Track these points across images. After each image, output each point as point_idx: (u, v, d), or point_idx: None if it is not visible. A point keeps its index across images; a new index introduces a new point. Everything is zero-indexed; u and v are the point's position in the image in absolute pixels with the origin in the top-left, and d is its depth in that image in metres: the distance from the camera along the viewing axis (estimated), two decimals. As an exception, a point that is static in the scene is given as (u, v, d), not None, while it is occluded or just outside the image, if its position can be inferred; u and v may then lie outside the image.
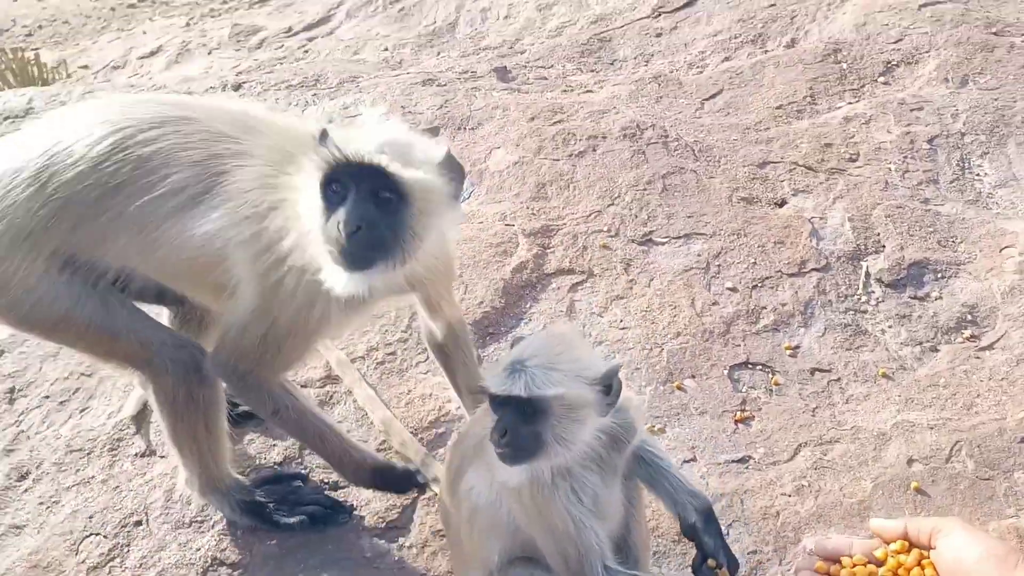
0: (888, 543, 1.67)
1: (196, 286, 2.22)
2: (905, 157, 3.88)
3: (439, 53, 5.99)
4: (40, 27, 10.37)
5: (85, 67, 8.24)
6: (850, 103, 4.36)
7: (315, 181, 1.81)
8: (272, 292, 1.98)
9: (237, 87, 5.06)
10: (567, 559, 1.84)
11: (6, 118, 4.68)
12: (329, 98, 4.49)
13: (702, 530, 1.94)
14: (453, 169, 1.90)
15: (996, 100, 4.20)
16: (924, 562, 1.62)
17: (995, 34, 4.80)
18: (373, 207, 1.79)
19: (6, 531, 2.57)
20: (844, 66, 4.66)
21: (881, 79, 4.56)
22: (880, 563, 1.66)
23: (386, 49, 6.24)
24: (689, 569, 2.24)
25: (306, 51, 6.47)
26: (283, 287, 1.96)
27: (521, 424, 1.75)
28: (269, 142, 2.01)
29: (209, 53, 7.30)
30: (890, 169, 3.81)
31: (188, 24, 9.16)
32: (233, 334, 2.08)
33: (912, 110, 4.19)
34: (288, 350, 2.08)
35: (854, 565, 1.67)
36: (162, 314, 2.51)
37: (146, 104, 2.10)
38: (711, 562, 1.92)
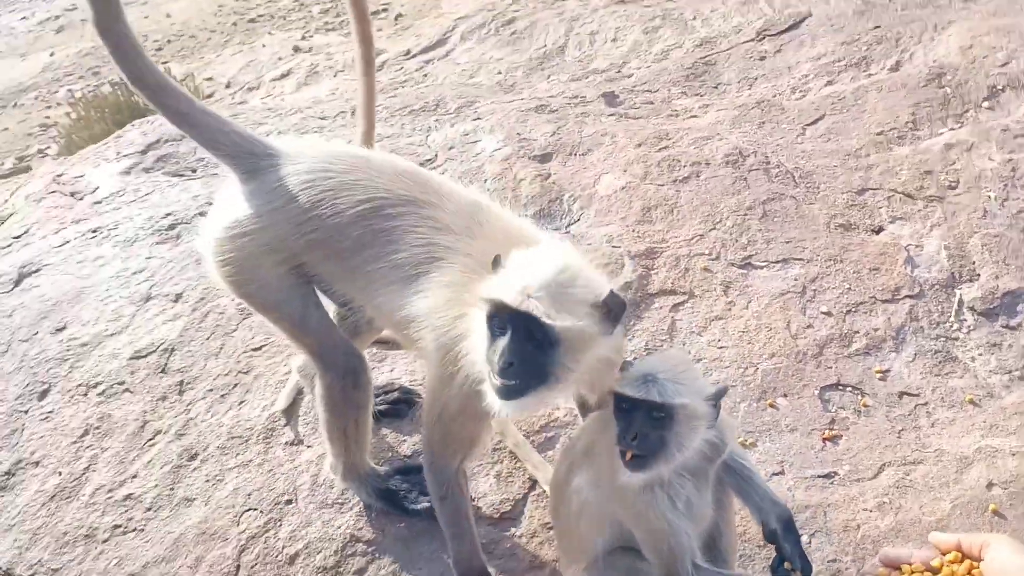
0: (944, 554, 1.89)
1: (395, 332, 2.61)
2: (1006, 185, 3.97)
3: (549, 76, 6.31)
4: (169, 41, 11.26)
5: (210, 79, 8.96)
6: (952, 129, 4.45)
7: (482, 313, 2.05)
8: (446, 381, 2.29)
9: (365, 110, 5.51)
10: (660, 555, 2.12)
11: (165, 141, 5.27)
12: (450, 124, 4.87)
13: (782, 536, 2.18)
14: (614, 305, 2.03)
15: (1105, 129, 4.23)
16: (974, 571, 1.84)
17: (1110, 60, 4.78)
18: (528, 345, 1.97)
19: (179, 502, 3.03)
20: (948, 91, 4.74)
21: (985, 104, 4.62)
22: (936, 571, 1.89)
23: (499, 72, 6.60)
24: (769, 570, 2.49)
25: (425, 74, 6.90)
26: (455, 380, 2.25)
27: (649, 429, 2.04)
28: (479, 247, 2.23)
29: (335, 75, 7.85)
30: (990, 197, 3.91)
31: (304, 37, 9.81)
32: (424, 416, 2.47)
33: (1016, 136, 4.26)
34: (460, 433, 2.38)
35: (912, 572, 1.90)
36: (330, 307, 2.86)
37: (402, 179, 2.43)
38: (787, 565, 2.15)
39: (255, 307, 2.67)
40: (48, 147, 9.20)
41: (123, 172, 5.01)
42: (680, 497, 2.13)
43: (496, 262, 2.08)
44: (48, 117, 10.19)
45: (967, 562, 1.87)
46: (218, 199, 2.63)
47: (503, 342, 1.99)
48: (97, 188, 4.88)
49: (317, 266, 2.50)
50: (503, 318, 2.00)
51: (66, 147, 7.48)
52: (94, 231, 4.42)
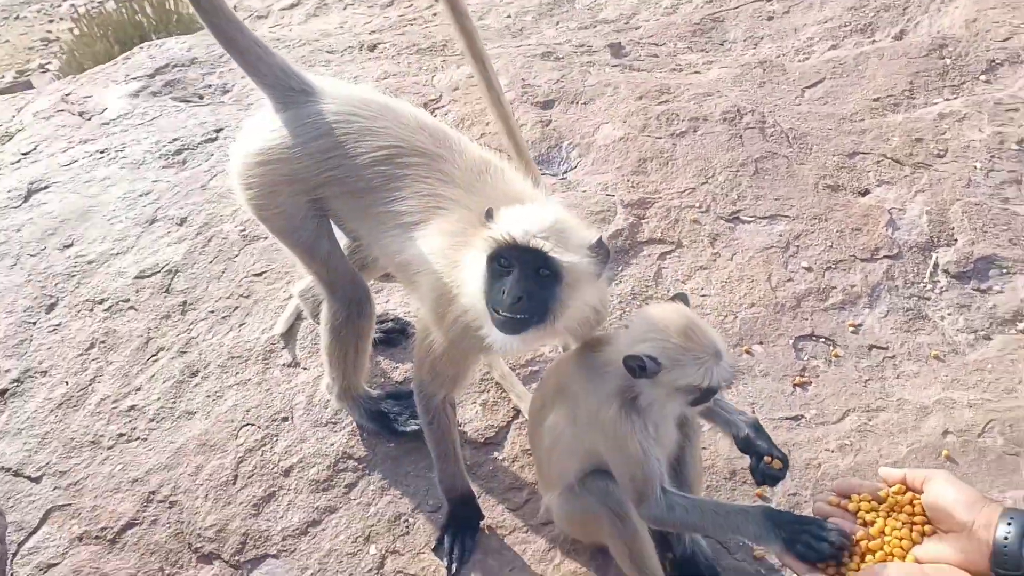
0: (890, 486, 2.07)
1: (395, 272, 2.75)
2: (992, 157, 4.08)
3: (558, 23, 6.35)
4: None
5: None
6: (947, 100, 4.55)
7: (483, 254, 2.17)
8: (438, 322, 2.44)
9: (373, 47, 5.58)
10: (634, 480, 2.28)
11: (174, 66, 5.34)
12: (456, 66, 4.94)
13: (754, 437, 2.35)
14: (602, 251, 2.20)
15: (1095, 106, 4.32)
16: (915, 502, 2.02)
17: (1107, 38, 4.85)
18: (532, 281, 2.13)
19: (181, 415, 3.19)
20: (948, 62, 4.82)
21: (983, 77, 4.71)
22: (882, 500, 2.06)
23: (509, 16, 6.63)
24: (737, 496, 2.67)
25: (434, 13, 6.91)
26: (445, 321, 2.40)
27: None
28: (479, 202, 2.35)
29: (344, 8, 7.85)
30: (975, 167, 4.03)
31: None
32: (416, 350, 2.62)
33: (1007, 110, 4.36)
34: (448, 369, 2.53)
35: (860, 500, 2.08)
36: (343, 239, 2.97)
37: (422, 132, 2.56)
38: (767, 459, 2.31)
39: (272, 230, 2.81)
40: (49, 63, 9.20)
41: (131, 95, 5.08)
42: (652, 424, 2.29)
43: (489, 215, 2.22)
44: (50, 32, 10.15)
45: (910, 493, 2.04)
46: (250, 123, 2.76)
47: (511, 279, 2.13)
48: (105, 109, 4.97)
49: (332, 201, 2.64)
50: (509, 257, 2.14)
51: (67, 64, 7.49)
52: (102, 152, 4.52)
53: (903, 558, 1.93)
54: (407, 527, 2.81)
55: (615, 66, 5.09)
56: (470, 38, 3.21)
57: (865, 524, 2.05)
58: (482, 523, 2.76)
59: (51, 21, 10.41)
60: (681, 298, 2.35)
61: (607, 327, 2.65)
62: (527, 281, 2.12)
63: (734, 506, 2.26)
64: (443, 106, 4.58)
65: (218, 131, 4.55)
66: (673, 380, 2.16)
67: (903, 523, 2.00)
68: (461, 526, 2.73)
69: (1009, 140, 4.16)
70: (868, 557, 1.97)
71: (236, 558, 2.77)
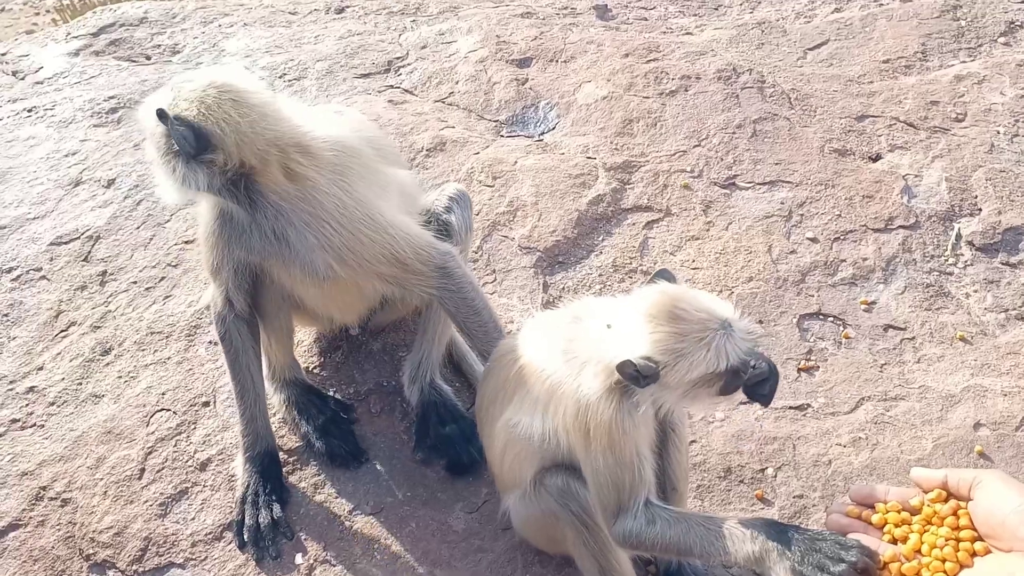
0: (926, 492, 1.62)
1: None
2: (1016, 120, 3.66)
3: (540, -13, 5.90)
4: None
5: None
6: (964, 62, 4.12)
7: None
8: None
9: (340, 11, 5.13)
10: (619, 487, 1.82)
11: (121, 25, 4.87)
12: (427, 24, 4.50)
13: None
14: None
15: None
16: (960, 512, 1.56)
17: None
18: None
19: (87, 398, 2.75)
20: (963, 23, 4.40)
21: (1001, 39, 4.29)
22: (915, 511, 1.61)
23: (488, -20, 6.18)
24: (730, 507, 2.24)
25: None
26: None
27: None
28: None
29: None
30: (998, 132, 3.61)
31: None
32: None
33: (1032, 73, 3.94)
34: None
35: (887, 511, 1.62)
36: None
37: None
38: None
39: None
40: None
41: (71, 53, 4.63)
42: (644, 422, 1.85)
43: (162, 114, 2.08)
44: (36, 24, 9.69)
45: (952, 502, 1.58)
46: None
47: None
48: (41, 68, 4.51)
49: None
50: None
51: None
52: (29, 110, 4.06)
53: (949, 586, 1.48)
54: (341, 533, 2.37)
55: (600, 27, 4.65)
56: None
57: (895, 541, 1.59)
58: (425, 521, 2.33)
59: (37, 14, 9.95)
60: (663, 276, 1.88)
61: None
62: None
63: (728, 519, 1.77)
64: (408, 63, 4.14)
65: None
66: (683, 375, 1.71)
67: (945, 539, 1.53)
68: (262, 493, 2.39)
69: (1035, 104, 3.74)
70: (901, 584, 1.52)
71: (134, 567, 2.32)
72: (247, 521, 2.34)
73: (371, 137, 2.50)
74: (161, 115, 2.02)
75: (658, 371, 1.69)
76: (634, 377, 1.70)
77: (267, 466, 2.42)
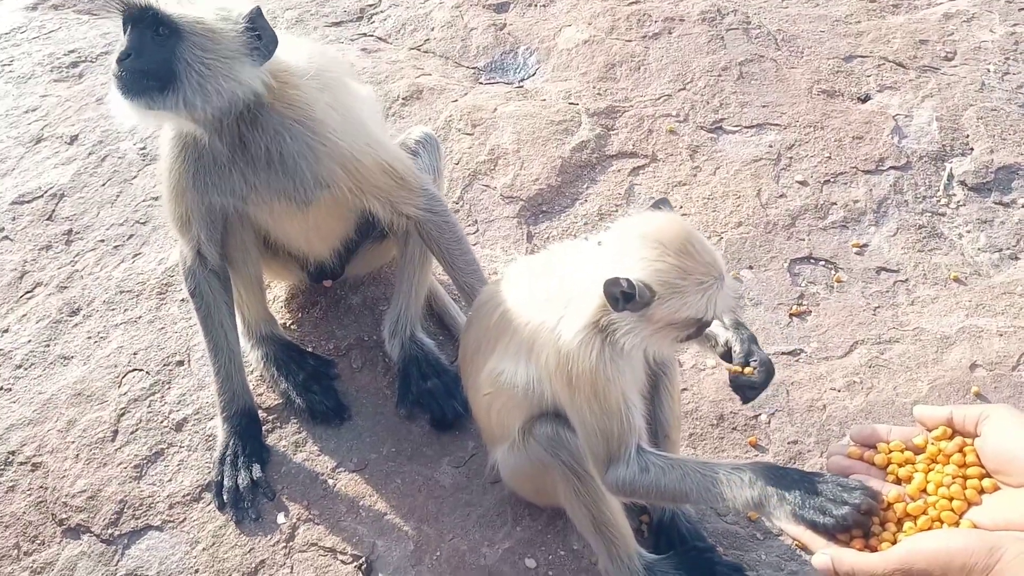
0: (930, 430, 1.55)
1: None
2: (1007, 59, 3.58)
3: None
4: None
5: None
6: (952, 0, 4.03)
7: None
8: None
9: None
10: (607, 436, 1.74)
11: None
12: (398, -33, 4.33)
13: (735, 343, 1.88)
14: (258, 24, 1.97)
15: (1119, 4, 3.83)
16: (966, 448, 1.49)
17: None
18: (150, 41, 1.93)
19: (55, 360, 2.64)
20: (951, -39, 4.29)
21: (991, -24, 4.19)
22: (919, 450, 1.54)
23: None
24: (724, 454, 2.19)
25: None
26: None
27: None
28: None
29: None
30: (988, 70, 3.53)
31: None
32: None
33: (1021, 9, 3.85)
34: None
35: (890, 451, 1.56)
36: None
37: None
38: (745, 369, 1.82)
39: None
40: None
41: (28, 8, 4.41)
42: (630, 366, 1.77)
43: None
44: None
45: (958, 439, 1.51)
46: None
47: (124, 38, 1.96)
48: (-5, 24, 4.31)
49: None
50: (127, 19, 1.96)
51: None
52: (-15, 67, 3.88)
53: (956, 523, 1.41)
54: (324, 491, 2.30)
55: (580, -30, 4.50)
56: None
57: (899, 481, 1.52)
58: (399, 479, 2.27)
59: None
60: (662, 204, 1.79)
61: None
62: (141, 38, 1.94)
63: (724, 464, 1.69)
64: (382, 11, 3.99)
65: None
66: (670, 312, 1.62)
67: (952, 477, 1.46)
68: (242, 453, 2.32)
69: (1025, 41, 3.66)
70: (907, 524, 1.44)
71: (110, 531, 2.24)
72: (226, 483, 2.26)
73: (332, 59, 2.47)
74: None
75: (650, 301, 1.60)
76: (616, 298, 1.60)
77: (245, 426, 2.34)
